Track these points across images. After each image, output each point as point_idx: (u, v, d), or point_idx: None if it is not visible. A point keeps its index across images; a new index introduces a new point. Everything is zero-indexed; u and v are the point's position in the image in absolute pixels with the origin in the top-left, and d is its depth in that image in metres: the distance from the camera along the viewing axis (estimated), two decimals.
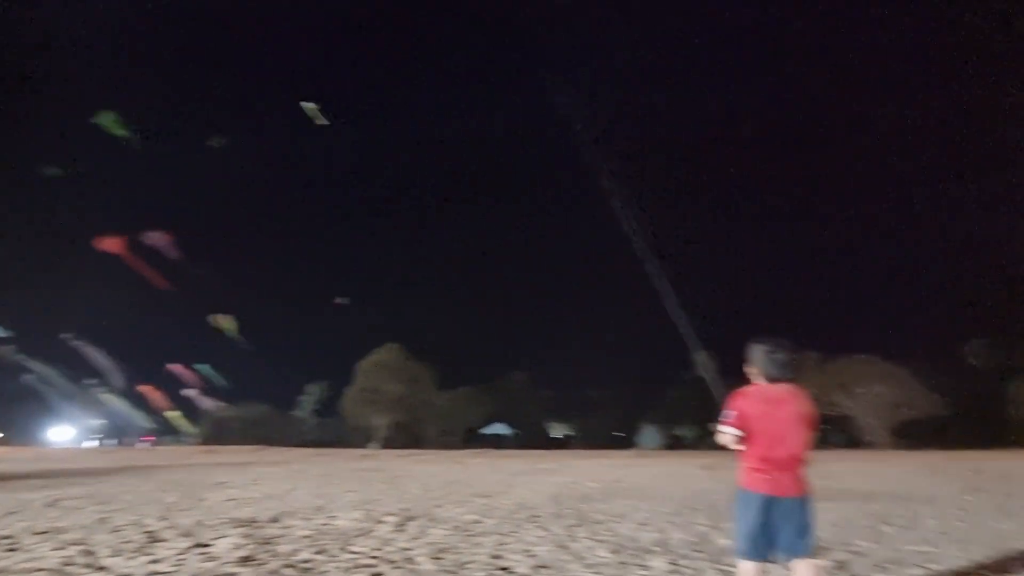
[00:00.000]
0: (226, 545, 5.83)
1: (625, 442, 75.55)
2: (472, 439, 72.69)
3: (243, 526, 6.97)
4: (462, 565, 5.07)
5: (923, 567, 5.11)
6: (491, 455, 38.24)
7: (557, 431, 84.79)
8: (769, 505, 3.47)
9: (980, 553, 5.71)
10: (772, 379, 3.60)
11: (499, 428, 76.98)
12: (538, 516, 8.14)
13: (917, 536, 6.66)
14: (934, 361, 68.20)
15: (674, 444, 74.39)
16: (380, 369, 68.74)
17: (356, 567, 5.00)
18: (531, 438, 73.66)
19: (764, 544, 3.48)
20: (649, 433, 78.84)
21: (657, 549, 5.82)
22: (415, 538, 6.36)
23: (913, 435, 63.19)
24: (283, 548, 5.72)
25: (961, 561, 5.37)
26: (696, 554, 5.60)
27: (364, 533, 6.65)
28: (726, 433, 3.52)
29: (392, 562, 5.19)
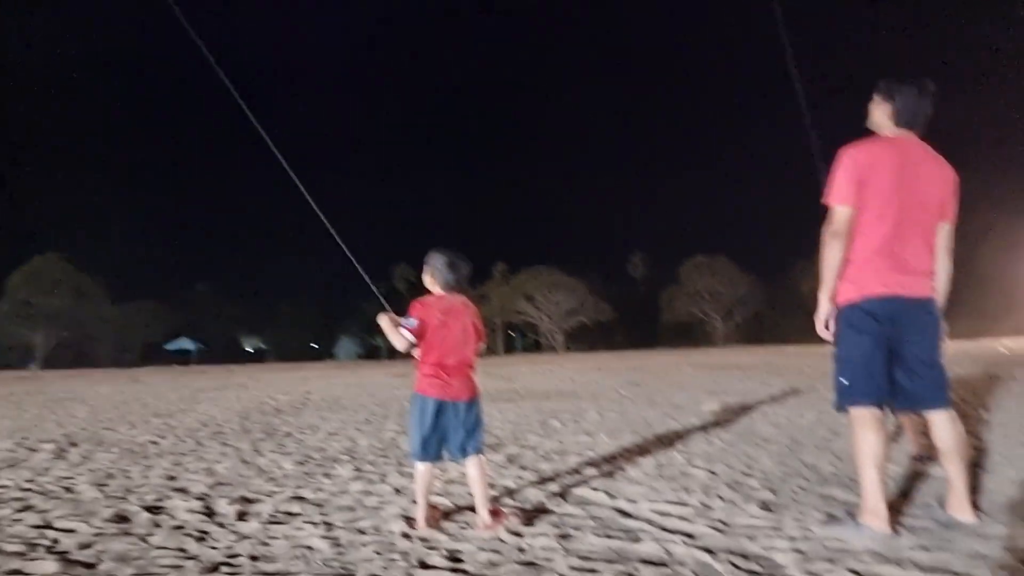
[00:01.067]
0: None
1: (321, 354, 75.33)
2: (152, 355, 67.65)
3: None
4: (130, 490, 4.71)
5: (581, 455, 5.72)
6: (174, 372, 36.05)
7: (249, 344, 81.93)
8: (441, 409, 3.63)
9: (628, 439, 6.52)
10: (448, 288, 3.71)
11: (184, 343, 72.37)
12: (222, 433, 7.83)
13: (580, 428, 7.43)
14: (603, 272, 76.22)
15: (371, 354, 75.67)
16: (36, 281, 60.70)
17: (1, 501, 4.43)
18: (220, 353, 70.40)
19: (436, 446, 3.64)
20: (345, 344, 79.30)
21: (345, 457, 5.88)
22: (77, 465, 5.78)
23: (585, 339, 70.51)
24: None
25: (611, 447, 6.09)
26: (382, 459, 5.74)
27: (15, 464, 5.91)
28: (404, 339, 3.61)
29: (47, 492, 4.67)
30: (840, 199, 3.31)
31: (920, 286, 3.37)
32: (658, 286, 75.15)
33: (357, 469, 5.32)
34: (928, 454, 4.62)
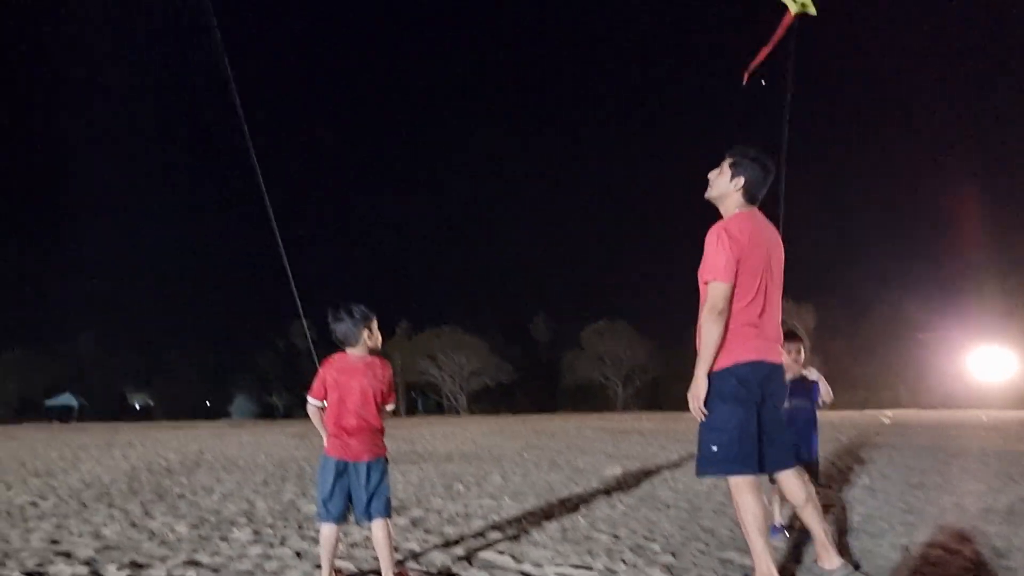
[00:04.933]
0: None
1: (214, 412, 72.31)
2: (30, 411, 63.38)
3: None
4: (9, 554, 4.43)
5: (486, 519, 5.71)
6: (54, 429, 33.96)
7: (136, 400, 77.86)
8: (344, 470, 3.62)
9: (531, 503, 6.55)
10: (339, 344, 3.73)
11: (66, 399, 68.06)
12: (109, 494, 7.44)
13: (484, 492, 7.42)
14: (506, 333, 76.53)
15: (267, 413, 73.13)
16: None
17: None
18: (104, 409, 66.58)
19: (341, 507, 3.61)
20: (240, 402, 76.47)
21: (242, 520, 5.69)
22: None
23: (487, 400, 70.27)
24: None
25: (515, 511, 6.11)
26: (281, 522, 5.58)
27: None
28: (309, 403, 3.67)
29: None
30: (724, 276, 3.36)
31: (777, 352, 3.56)
32: (560, 349, 75.94)
33: (255, 532, 5.16)
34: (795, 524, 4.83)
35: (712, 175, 3.68)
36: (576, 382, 71.94)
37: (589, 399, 70.53)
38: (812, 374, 5.04)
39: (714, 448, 3.37)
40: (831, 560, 3.44)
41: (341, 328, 3.68)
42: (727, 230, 3.42)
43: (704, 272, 3.43)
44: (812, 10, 4.74)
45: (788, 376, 4.93)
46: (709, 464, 3.42)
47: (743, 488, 3.34)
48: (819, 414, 5.08)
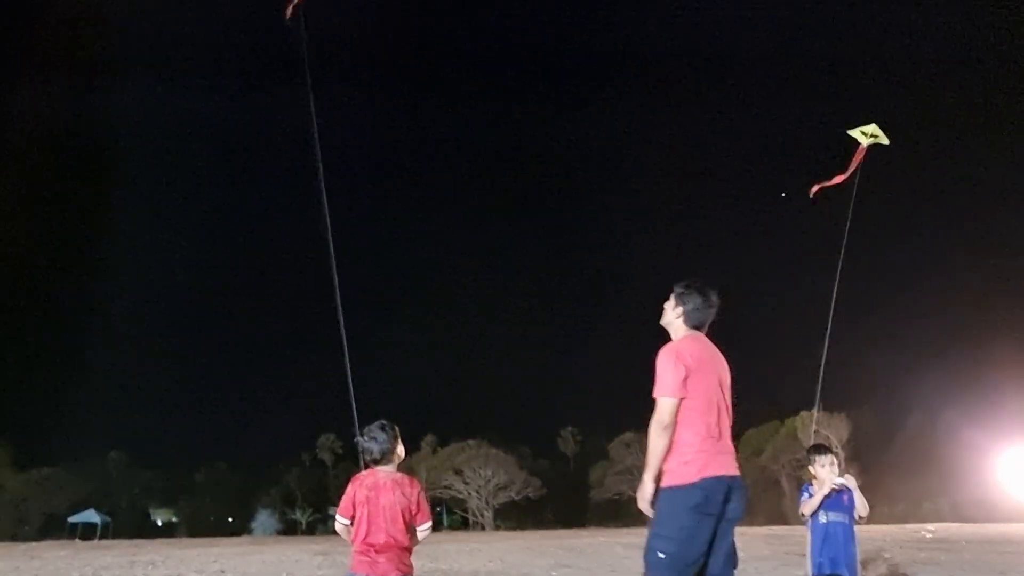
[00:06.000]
0: None
1: (237, 528, 71.07)
2: (53, 529, 62.69)
3: None
4: None
5: None
6: (77, 547, 33.56)
7: (160, 517, 76.89)
8: None
9: None
10: (373, 463, 3.77)
11: (90, 515, 67.30)
12: None
13: None
14: (533, 446, 75.43)
15: (289, 529, 71.74)
16: None
17: None
18: (128, 526, 65.70)
19: None
20: (263, 518, 75.23)
21: None
22: None
23: (514, 515, 68.49)
24: None
25: None
26: None
27: None
28: (338, 520, 3.69)
29: None
30: (671, 392, 3.62)
31: (735, 466, 3.75)
32: (588, 462, 74.44)
33: None
34: None
35: (665, 305, 4.06)
36: (605, 496, 70.05)
37: (618, 513, 68.52)
38: (850, 482, 4.97)
39: (660, 555, 3.53)
40: None
41: (376, 448, 3.74)
42: (675, 350, 3.80)
43: (655, 389, 3.70)
44: (884, 140, 5.07)
45: (824, 490, 4.90)
46: (654, 569, 3.56)
47: None
48: (856, 528, 4.96)
